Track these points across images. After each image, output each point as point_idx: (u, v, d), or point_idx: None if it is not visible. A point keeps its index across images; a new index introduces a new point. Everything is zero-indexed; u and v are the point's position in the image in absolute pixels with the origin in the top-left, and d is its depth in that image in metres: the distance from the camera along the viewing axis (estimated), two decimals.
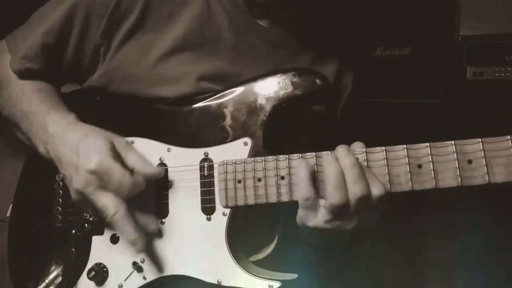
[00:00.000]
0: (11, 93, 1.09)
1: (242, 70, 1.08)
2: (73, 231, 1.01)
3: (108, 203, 0.88)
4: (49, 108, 1.02)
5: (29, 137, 1.05)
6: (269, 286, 0.88)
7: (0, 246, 1.18)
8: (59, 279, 1.00)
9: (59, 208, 1.06)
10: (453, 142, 0.80)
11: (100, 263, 0.99)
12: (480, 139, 0.79)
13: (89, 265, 0.99)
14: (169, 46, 1.05)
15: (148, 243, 0.95)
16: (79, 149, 0.92)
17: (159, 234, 0.97)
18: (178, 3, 1.06)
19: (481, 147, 0.79)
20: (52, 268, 1.02)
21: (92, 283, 0.98)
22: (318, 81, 0.97)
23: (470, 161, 0.79)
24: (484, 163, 0.78)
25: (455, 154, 0.80)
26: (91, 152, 0.90)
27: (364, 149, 0.85)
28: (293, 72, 0.98)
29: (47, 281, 1.00)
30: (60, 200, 1.06)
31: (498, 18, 2.00)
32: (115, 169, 0.89)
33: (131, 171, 0.92)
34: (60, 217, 1.06)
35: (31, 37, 1.07)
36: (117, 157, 0.92)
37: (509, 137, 0.77)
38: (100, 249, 1.00)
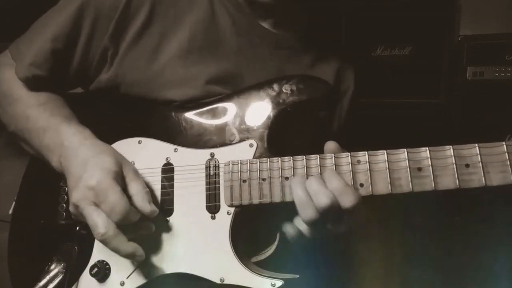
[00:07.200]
0: (17, 109, 1.06)
1: (245, 72, 1.09)
2: (77, 228, 1.00)
3: (98, 221, 0.86)
4: (60, 122, 1.01)
5: (40, 153, 1.03)
6: (272, 284, 0.89)
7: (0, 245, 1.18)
8: (60, 276, 1.00)
9: (64, 205, 1.06)
10: (451, 146, 0.83)
11: (103, 260, 0.99)
12: (476, 144, 0.82)
13: (92, 262, 1.00)
14: (175, 50, 1.05)
15: (152, 241, 0.96)
16: (87, 164, 0.91)
17: (164, 231, 0.98)
18: (183, 6, 1.06)
19: (478, 152, 0.82)
20: (53, 265, 1.01)
21: (94, 280, 0.98)
22: (321, 88, 1.00)
23: (467, 165, 0.82)
24: (481, 167, 0.81)
25: (453, 158, 0.83)
26: (96, 169, 0.90)
27: (366, 152, 0.87)
28: (297, 78, 1.00)
29: (47, 278, 1.00)
30: (66, 197, 1.06)
31: (498, 18, 2.01)
32: (112, 191, 0.87)
33: (130, 199, 0.90)
34: (64, 214, 1.06)
35: (38, 43, 1.05)
36: (120, 180, 0.91)
37: (504, 142, 0.80)
38: (103, 246, 1.00)
